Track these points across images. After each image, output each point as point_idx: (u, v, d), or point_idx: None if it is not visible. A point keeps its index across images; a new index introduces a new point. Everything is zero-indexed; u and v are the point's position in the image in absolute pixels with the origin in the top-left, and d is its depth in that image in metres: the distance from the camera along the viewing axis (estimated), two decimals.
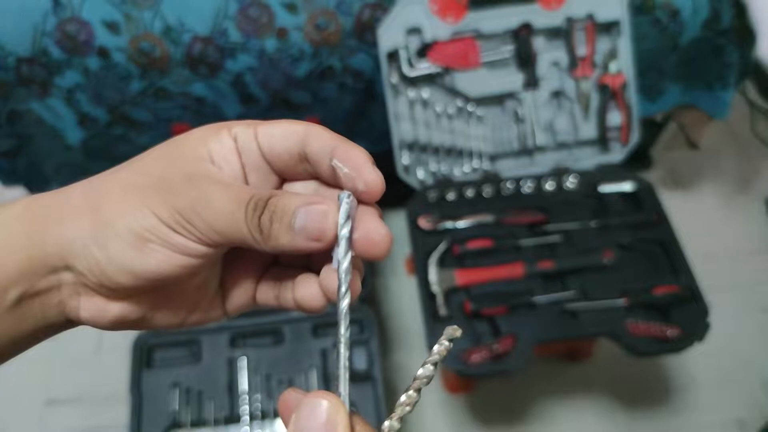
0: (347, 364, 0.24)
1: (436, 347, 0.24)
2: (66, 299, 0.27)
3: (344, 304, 0.25)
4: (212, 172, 0.26)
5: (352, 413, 0.23)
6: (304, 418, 0.22)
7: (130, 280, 0.25)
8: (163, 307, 0.28)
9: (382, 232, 0.26)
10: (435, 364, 0.24)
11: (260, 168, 0.28)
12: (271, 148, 0.28)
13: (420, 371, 0.24)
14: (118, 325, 0.27)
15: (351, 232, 0.25)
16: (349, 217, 0.26)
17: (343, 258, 0.25)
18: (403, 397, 0.24)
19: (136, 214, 0.25)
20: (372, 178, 0.26)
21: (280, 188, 0.29)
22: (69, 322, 0.28)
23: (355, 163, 0.27)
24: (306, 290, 0.28)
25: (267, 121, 0.28)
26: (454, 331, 0.24)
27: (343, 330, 0.25)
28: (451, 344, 0.24)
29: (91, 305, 0.27)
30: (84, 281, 0.26)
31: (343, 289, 0.25)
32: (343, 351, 0.24)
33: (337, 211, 0.25)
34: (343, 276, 0.25)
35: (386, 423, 0.24)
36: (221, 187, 0.26)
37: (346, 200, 0.26)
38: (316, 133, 0.28)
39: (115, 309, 0.27)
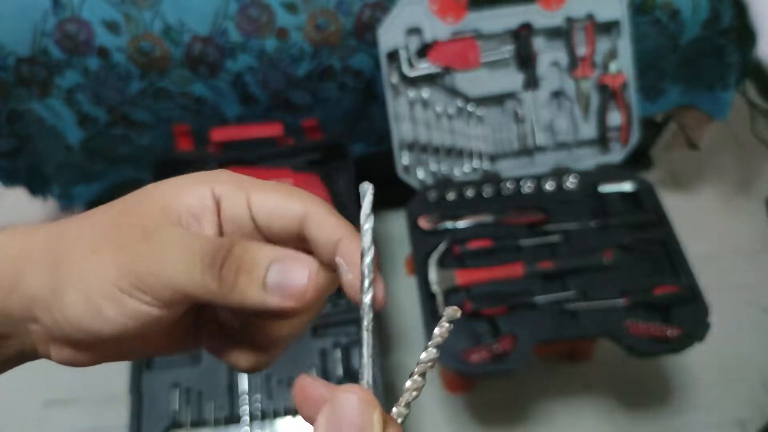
0: (371, 355, 0.24)
1: (437, 330, 0.24)
2: (37, 343, 0.26)
3: (368, 298, 0.24)
4: (173, 225, 0.24)
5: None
6: (338, 416, 0.21)
7: (92, 339, 0.24)
8: (138, 349, 0.27)
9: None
10: (437, 347, 0.24)
11: (244, 235, 0.26)
12: (268, 224, 0.26)
13: (423, 355, 0.24)
14: (94, 364, 0.26)
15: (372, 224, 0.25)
16: (371, 212, 0.25)
17: (367, 251, 0.25)
18: (408, 383, 0.24)
19: (91, 279, 0.23)
20: (379, 295, 0.25)
21: None
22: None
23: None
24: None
25: (257, 182, 0.26)
26: (454, 312, 0.24)
27: (366, 323, 0.24)
28: (452, 326, 0.24)
29: (62, 352, 0.25)
30: (50, 334, 0.25)
31: (366, 283, 0.25)
32: (369, 341, 0.24)
33: (317, 270, 0.24)
34: (366, 271, 0.25)
35: (394, 410, 0.23)
36: (177, 240, 0.24)
37: (369, 192, 0.25)
38: (319, 217, 0.25)
39: (86, 356, 0.26)
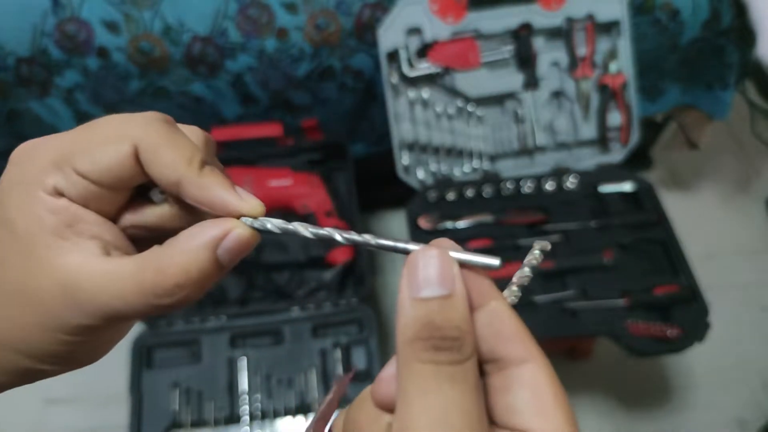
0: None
1: (528, 257, 0.24)
2: None
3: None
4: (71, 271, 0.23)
5: None
6: (419, 268, 0.21)
7: None
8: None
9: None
10: (532, 267, 0.24)
11: (102, 196, 0.24)
12: (107, 179, 0.24)
13: (518, 273, 0.24)
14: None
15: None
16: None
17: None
18: (515, 277, 0.24)
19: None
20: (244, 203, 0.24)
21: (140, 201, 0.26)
22: None
23: (211, 195, 0.24)
24: None
25: (73, 146, 0.24)
26: (545, 245, 0.25)
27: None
28: (542, 256, 0.25)
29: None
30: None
31: None
32: None
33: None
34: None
35: (505, 291, 0.24)
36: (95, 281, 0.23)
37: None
38: (151, 155, 0.24)
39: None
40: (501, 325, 0.22)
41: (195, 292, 0.23)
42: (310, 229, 0.25)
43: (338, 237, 0.25)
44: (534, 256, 0.24)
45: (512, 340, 0.22)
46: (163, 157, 0.24)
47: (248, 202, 0.24)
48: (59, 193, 0.24)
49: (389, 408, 0.21)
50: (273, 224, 0.25)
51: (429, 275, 0.20)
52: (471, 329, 0.21)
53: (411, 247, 0.23)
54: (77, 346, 0.25)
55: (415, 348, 0.20)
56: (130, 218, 0.26)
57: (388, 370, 0.22)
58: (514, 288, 0.24)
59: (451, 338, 0.20)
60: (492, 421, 0.21)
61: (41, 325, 0.24)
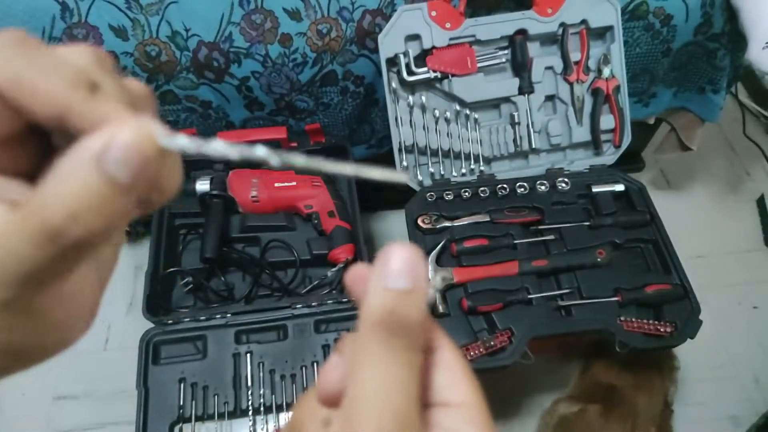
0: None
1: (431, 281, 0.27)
2: None
3: None
4: None
5: None
6: (391, 261, 0.23)
7: None
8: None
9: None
10: (435, 289, 0.28)
11: None
12: None
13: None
14: None
15: None
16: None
17: None
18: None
19: None
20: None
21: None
22: None
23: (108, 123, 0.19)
24: None
25: None
26: (446, 277, 0.28)
27: None
28: (442, 283, 0.28)
29: None
30: None
31: None
32: None
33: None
34: None
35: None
36: None
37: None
38: (12, 87, 0.19)
39: None
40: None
41: (102, 220, 0.19)
42: (233, 147, 0.20)
43: (266, 155, 0.20)
44: (436, 281, 0.28)
45: (428, 330, 0.25)
46: (33, 87, 0.19)
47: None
48: None
49: (330, 401, 0.24)
50: (186, 142, 0.19)
51: (398, 269, 0.22)
52: (424, 323, 0.23)
53: (347, 169, 0.22)
54: (13, 330, 0.20)
55: (375, 330, 0.22)
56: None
57: (330, 366, 0.25)
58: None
59: (407, 327, 0.22)
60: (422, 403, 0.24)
61: None
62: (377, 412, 0.21)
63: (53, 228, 0.18)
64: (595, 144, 1.09)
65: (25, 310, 0.20)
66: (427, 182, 1.08)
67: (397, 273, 0.22)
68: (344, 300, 0.95)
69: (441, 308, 0.93)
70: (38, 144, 0.22)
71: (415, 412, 0.22)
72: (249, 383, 0.90)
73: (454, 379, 0.25)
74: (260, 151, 0.20)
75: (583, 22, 1.04)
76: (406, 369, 0.22)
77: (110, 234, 0.19)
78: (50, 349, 0.23)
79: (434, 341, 0.26)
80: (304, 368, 0.92)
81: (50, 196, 0.18)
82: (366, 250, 1.00)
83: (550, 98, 1.09)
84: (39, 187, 0.18)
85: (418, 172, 1.08)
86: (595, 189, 1.05)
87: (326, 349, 0.93)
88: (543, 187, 1.06)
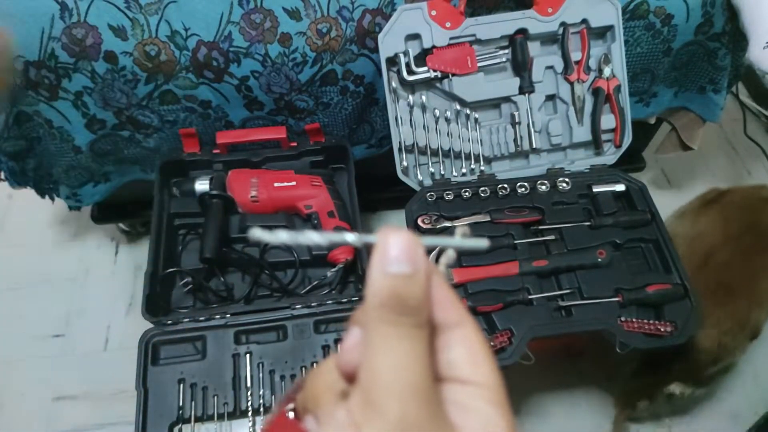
0: None
1: (450, 240, 0.28)
2: None
3: None
4: None
5: None
6: (390, 246, 0.24)
7: None
8: None
9: None
10: (456, 249, 0.29)
11: None
12: None
13: (444, 255, 0.29)
14: None
15: None
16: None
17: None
18: (443, 258, 0.29)
19: None
20: None
21: None
22: None
23: None
24: None
25: None
26: (465, 231, 0.29)
27: None
28: (463, 238, 0.28)
29: None
30: None
31: None
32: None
33: None
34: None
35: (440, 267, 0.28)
36: None
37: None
38: None
39: None
40: (439, 294, 0.26)
41: None
42: (323, 236, 0.27)
43: (354, 241, 0.27)
44: (455, 239, 0.28)
45: (448, 306, 0.26)
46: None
47: None
48: None
49: (351, 375, 0.25)
50: (285, 235, 0.26)
51: (398, 254, 0.24)
52: (428, 301, 0.25)
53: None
54: None
55: (382, 311, 0.23)
56: None
57: (350, 341, 0.26)
58: (442, 268, 0.28)
59: (412, 307, 0.24)
60: (436, 377, 0.25)
61: None
62: (396, 384, 0.22)
63: None
64: (595, 144, 1.09)
65: None
66: (427, 182, 1.08)
67: (396, 259, 0.24)
68: (344, 300, 0.95)
69: None
70: None
71: (430, 384, 0.23)
72: (249, 384, 0.90)
73: (473, 357, 0.26)
74: (350, 238, 0.26)
75: (584, 21, 1.04)
76: (416, 343, 0.23)
77: None
78: None
79: (456, 317, 0.26)
80: (303, 369, 0.92)
81: None
82: (365, 251, 1.00)
83: (550, 98, 1.08)
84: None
85: (418, 172, 1.07)
86: (596, 189, 1.05)
87: (326, 350, 0.93)
88: (543, 187, 1.06)
